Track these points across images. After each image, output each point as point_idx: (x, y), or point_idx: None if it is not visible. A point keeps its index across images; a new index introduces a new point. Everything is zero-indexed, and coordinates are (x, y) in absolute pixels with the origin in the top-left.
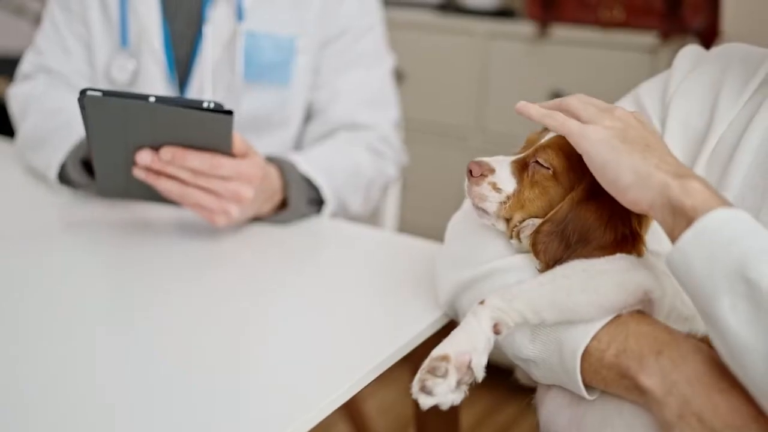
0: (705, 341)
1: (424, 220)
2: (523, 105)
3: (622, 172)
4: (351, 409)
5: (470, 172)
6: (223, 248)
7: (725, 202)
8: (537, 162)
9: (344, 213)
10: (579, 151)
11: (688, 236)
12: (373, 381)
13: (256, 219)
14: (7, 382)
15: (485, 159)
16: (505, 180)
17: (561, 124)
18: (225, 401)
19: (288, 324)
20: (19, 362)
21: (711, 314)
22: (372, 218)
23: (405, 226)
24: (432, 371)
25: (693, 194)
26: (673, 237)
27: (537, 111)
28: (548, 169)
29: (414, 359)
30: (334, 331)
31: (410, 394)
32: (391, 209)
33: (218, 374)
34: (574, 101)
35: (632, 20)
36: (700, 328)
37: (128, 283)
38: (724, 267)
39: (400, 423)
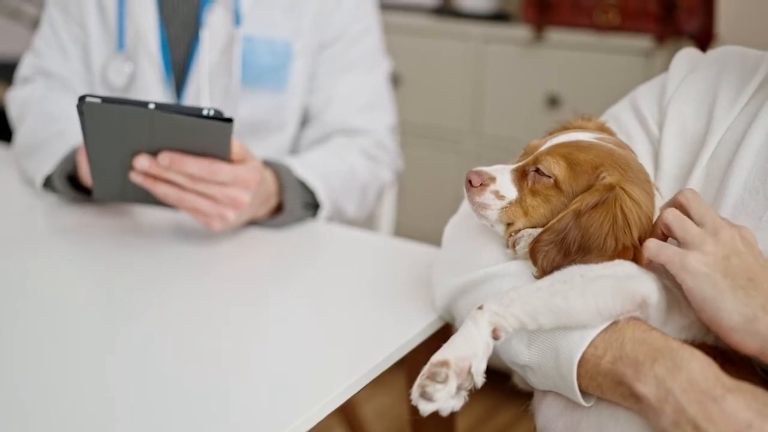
0: (703, 349)
1: (419, 223)
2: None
3: (725, 313)
4: (347, 414)
5: (469, 182)
6: (219, 251)
7: None
8: (538, 170)
9: (340, 217)
10: (678, 281)
11: None
12: (369, 385)
13: (252, 222)
14: (3, 384)
15: (484, 168)
16: (507, 188)
17: (657, 254)
18: (220, 404)
19: (283, 327)
20: (13, 366)
21: None
22: (368, 222)
23: (401, 230)
24: (432, 377)
25: None
26: None
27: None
28: (549, 177)
29: (410, 364)
30: (329, 334)
31: (406, 399)
32: (387, 213)
33: (214, 377)
34: (670, 217)
35: (627, 24)
36: (697, 336)
37: (123, 286)
38: None
39: (397, 427)
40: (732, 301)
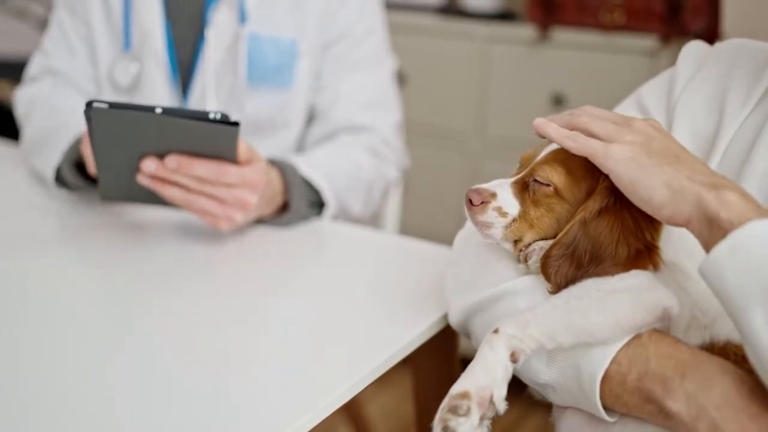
0: (727, 348)
1: (424, 222)
2: (540, 123)
3: (654, 188)
4: (352, 413)
5: (470, 201)
6: (224, 250)
7: (763, 213)
8: (536, 180)
9: (345, 216)
10: (604, 171)
11: (722, 248)
12: (373, 384)
13: (258, 221)
14: (5, 385)
15: (483, 185)
16: (509, 202)
17: (581, 145)
18: (224, 401)
19: (287, 325)
20: (18, 364)
21: (744, 326)
22: (373, 221)
23: (405, 229)
24: (453, 410)
25: (729, 206)
26: (708, 249)
27: (555, 132)
28: (548, 186)
29: (415, 363)
30: (333, 332)
31: (411, 398)
32: (392, 212)
33: (217, 374)
34: (584, 118)
35: (633, 23)
36: (721, 334)
37: (129, 284)
38: (758, 279)
39: (401, 427)
40: (659, 176)
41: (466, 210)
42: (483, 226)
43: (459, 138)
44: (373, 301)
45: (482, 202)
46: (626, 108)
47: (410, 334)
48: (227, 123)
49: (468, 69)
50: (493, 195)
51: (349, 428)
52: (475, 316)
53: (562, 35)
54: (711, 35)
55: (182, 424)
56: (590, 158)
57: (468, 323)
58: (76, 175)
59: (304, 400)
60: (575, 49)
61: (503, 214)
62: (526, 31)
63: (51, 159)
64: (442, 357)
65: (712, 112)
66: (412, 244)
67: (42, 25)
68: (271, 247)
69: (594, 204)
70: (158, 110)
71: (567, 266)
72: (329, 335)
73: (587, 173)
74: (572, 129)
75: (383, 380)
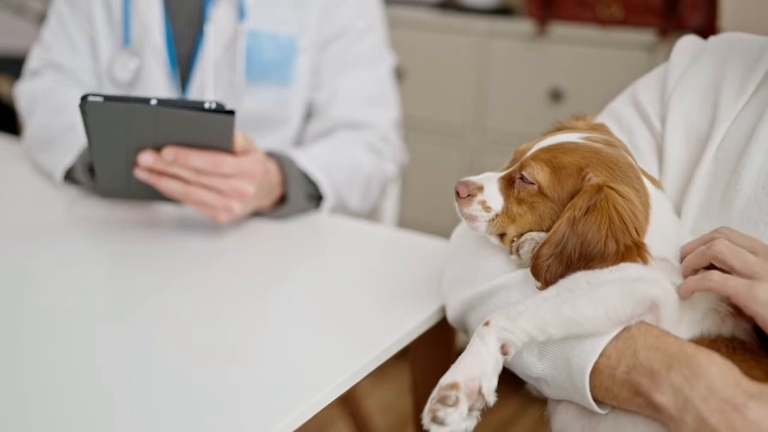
0: (718, 342)
1: (422, 217)
2: (683, 291)
3: None
4: (350, 407)
5: (457, 193)
6: (224, 243)
7: None
8: (522, 177)
9: (343, 210)
10: (748, 313)
11: None
12: (371, 379)
13: (256, 214)
14: (9, 374)
15: (472, 178)
16: (494, 198)
17: (723, 285)
18: (222, 393)
19: (286, 317)
20: (21, 355)
21: None
22: (371, 215)
23: (404, 223)
24: (442, 400)
25: None
26: None
27: (694, 282)
28: (533, 184)
29: (412, 358)
30: (332, 324)
31: (408, 393)
32: (390, 206)
33: (216, 367)
34: (721, 248)
35: (630, 18)
36: (712, 328)
37: (129, 278)
38: None
39: (400, 421)
40: None
41: (455, 201)
42: (468, 219)
43: (457, 133)
44: (371, 294)
45: (468, 195)
46: (621, 105)
47: (408, 325)
48: (223, 112)
49: (466, 64)
50: (480, 188)
51: (348, 422)
52: (472, 311)
53: (560, 30)
54: (709, 29)
55: (182, 417)
56: (732, 298)
57: (465, 319)
58: (89, 178)
59: (303, 390)
60: (573, 44)
61: (487, 209)
62: (524, 26)
63: (59, 158)
64: (439, 350)
65: (707, 105)
66: (410, 237)
67: (40, 20)
68: (270, 239)
69: (582, 201)
70: (153, 101)
71: (557, 265)
72: (327, 327)
73: (573, 171)
74: (709, 261)
75: (381, 374)
